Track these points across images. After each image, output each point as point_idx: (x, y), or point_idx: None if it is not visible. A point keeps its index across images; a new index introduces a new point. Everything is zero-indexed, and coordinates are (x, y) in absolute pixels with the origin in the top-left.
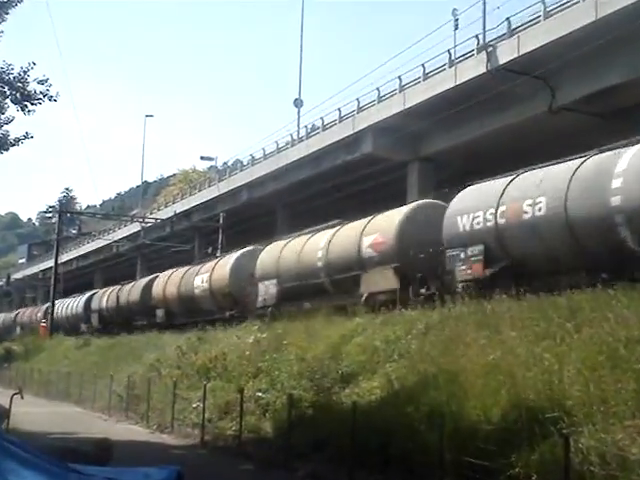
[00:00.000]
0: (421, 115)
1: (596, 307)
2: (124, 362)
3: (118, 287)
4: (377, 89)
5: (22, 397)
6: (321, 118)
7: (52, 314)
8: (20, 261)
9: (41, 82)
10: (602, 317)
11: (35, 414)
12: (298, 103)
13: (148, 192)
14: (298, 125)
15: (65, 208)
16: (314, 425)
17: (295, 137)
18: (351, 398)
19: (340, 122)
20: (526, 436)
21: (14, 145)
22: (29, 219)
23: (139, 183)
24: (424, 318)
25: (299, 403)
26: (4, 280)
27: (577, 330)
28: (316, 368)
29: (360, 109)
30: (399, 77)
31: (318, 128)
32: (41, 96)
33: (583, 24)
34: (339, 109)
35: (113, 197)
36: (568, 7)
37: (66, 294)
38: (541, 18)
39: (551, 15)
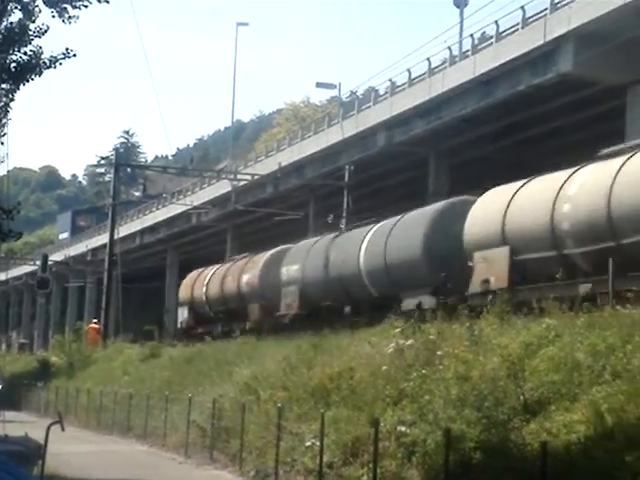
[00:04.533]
0: None
1: None
2: (208, 380)
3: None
4: None
5: (63, 429)
6: (495, 22)
7: (107, 310)
8: (61, 236)
9: None
10: None
11: (82, 454)
12: (461, 0)
13: (242, 136)
14: (460, 34)
15: (124, 159)
16: (483, 475)
17: (456, 52)
18: (539, 437)
19: (524, 27)
20: None
21: (49, 67)
22: (73, 176)
23: (228, 124)
24: None
25: (461, 443)
26: (38, 263)
27: None
28: (486, 392)
29: (555, 6)
30: None
31: (490, 38)
32: None
33: None
34: (522, 7)
35: (192, 144)
36: None
37: (127, 281)
38: None
39: None
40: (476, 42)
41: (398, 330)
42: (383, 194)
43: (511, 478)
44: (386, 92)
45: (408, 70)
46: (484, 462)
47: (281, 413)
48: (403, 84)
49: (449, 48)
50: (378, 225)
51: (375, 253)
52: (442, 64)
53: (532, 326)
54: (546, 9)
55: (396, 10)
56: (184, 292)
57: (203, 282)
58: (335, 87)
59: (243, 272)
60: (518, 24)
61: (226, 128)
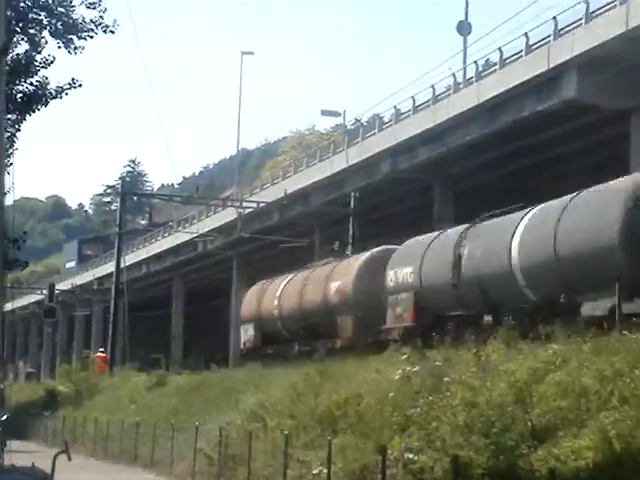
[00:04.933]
0: None
1: None
2: (214, 408)
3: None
4: (585, 1)
5: (69, 458)
6: (499, 49)
7: (113, 338)
8: (68, 265)
9: (91, 5)
10: None
11: None
12: (464, 28)
13: (247, 164)
14: (464, 61)
15: (130, 188)
16: None
17: (460, 79)
18: (548, 463)
19: (528, 54)
20: None
21: (55, 97)
22: (80, 206)
23: (234, 152)
24: None
25: (469, 470)
26: (45, 292)
27: None
28: (494, 418)
29: (559, 33)
30: None
31: (494, 65)
32: (92, 26)
33: None
34: (526, 34)
35: (197, 173)
36: None
37: (133, 309)
38: None
39: None
40: (480, 69)
41: (405, 357)
42: (389, 221)
43: None
44: (390, 119)
45: (412, 97)
46: None
47: (288, 441)
48: (407, 111)
49: (453, 75)
50: (538, 208)
51: (538, 244)
52: (446, 91)
53: (539, 352)
54: (549, 36)
55: (400, 36)
56: (248, 307)
57: (274, 294)
58: (340, 115)
59: (331, 279)
60: (522, 51)
61: (232, 156)
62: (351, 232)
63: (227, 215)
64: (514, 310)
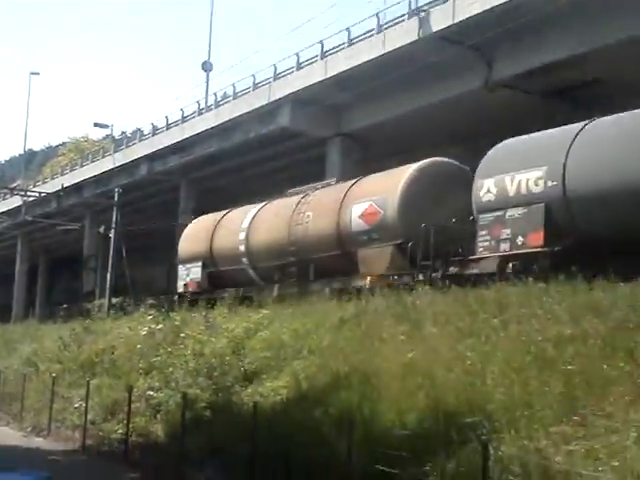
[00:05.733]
0: (344, 86)
1: (526, 302)
2: None
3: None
4: (296, 54)
5: None
6: (232, 85)
7: None
8: None
9: None
10: (531, 313)
11: None
12: (207, 66)
13: (33, 162)
14: (207, 92)
15: None
16: (211, 428)
17: (203, 105)
18: (253, 399)
19: (254, 90)
20: (443, 443)
21: None
22: None
23: (22, 151)
24: (339, 310)
25: (195, 403)
26: None
27: (504, 327)
28: (215, 364)
29: (277, 76)
30: (321, 42)
31: (229, 96)
32: None
33: None
34: (253, 75)
35: None
36: None
37: None
38: None
39: None
40: (219, 99)
41: (150, 317)
42: (146, 211)
43: (232, 430)
44: (149, 133)
45: (166, 117)
46: (212, 418)
47: (55, 381)
48: (162, 127)
49: (197, 102)
50: None
51: None
52: (192, 113)
53: (252, 315)
54: (270, 78)
55: (161, 66)
56: (191, 244)
57: (239, 226)
58: (109, 127)
59: (351, 200)
60: (250, 87)
61: (20, 155)
62: (114, 219)
63: (14, 202)
64: None
